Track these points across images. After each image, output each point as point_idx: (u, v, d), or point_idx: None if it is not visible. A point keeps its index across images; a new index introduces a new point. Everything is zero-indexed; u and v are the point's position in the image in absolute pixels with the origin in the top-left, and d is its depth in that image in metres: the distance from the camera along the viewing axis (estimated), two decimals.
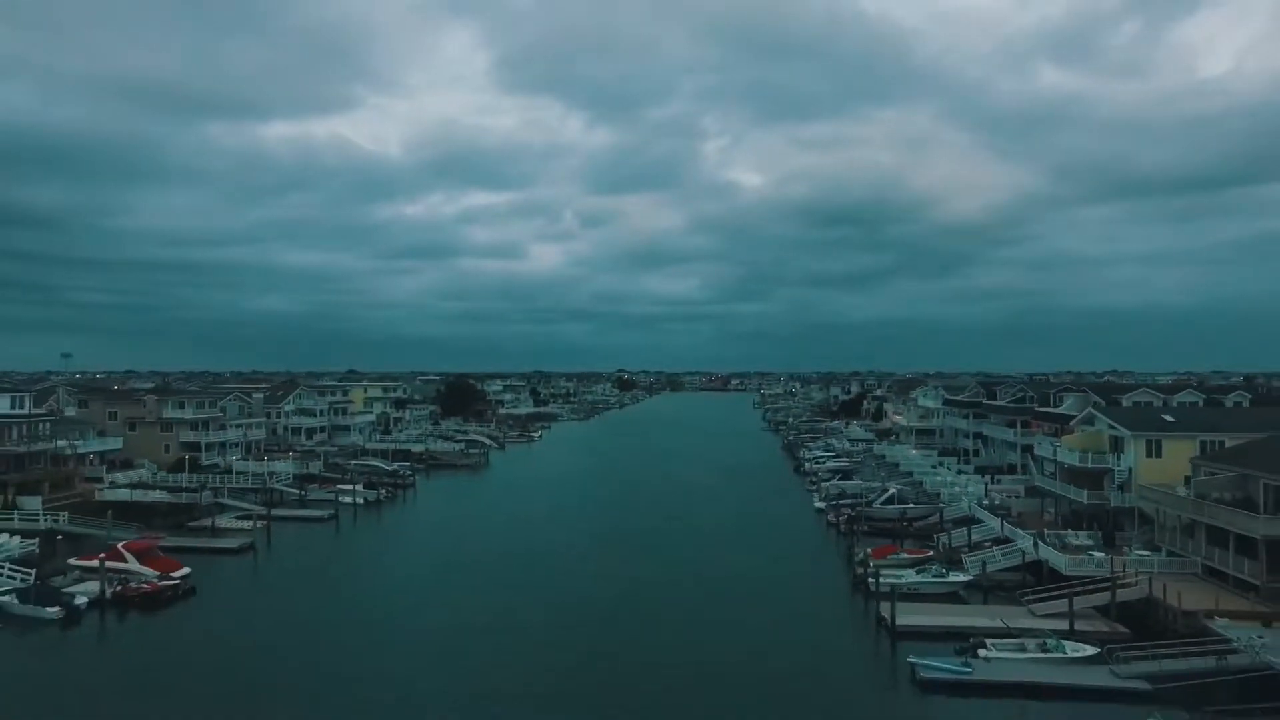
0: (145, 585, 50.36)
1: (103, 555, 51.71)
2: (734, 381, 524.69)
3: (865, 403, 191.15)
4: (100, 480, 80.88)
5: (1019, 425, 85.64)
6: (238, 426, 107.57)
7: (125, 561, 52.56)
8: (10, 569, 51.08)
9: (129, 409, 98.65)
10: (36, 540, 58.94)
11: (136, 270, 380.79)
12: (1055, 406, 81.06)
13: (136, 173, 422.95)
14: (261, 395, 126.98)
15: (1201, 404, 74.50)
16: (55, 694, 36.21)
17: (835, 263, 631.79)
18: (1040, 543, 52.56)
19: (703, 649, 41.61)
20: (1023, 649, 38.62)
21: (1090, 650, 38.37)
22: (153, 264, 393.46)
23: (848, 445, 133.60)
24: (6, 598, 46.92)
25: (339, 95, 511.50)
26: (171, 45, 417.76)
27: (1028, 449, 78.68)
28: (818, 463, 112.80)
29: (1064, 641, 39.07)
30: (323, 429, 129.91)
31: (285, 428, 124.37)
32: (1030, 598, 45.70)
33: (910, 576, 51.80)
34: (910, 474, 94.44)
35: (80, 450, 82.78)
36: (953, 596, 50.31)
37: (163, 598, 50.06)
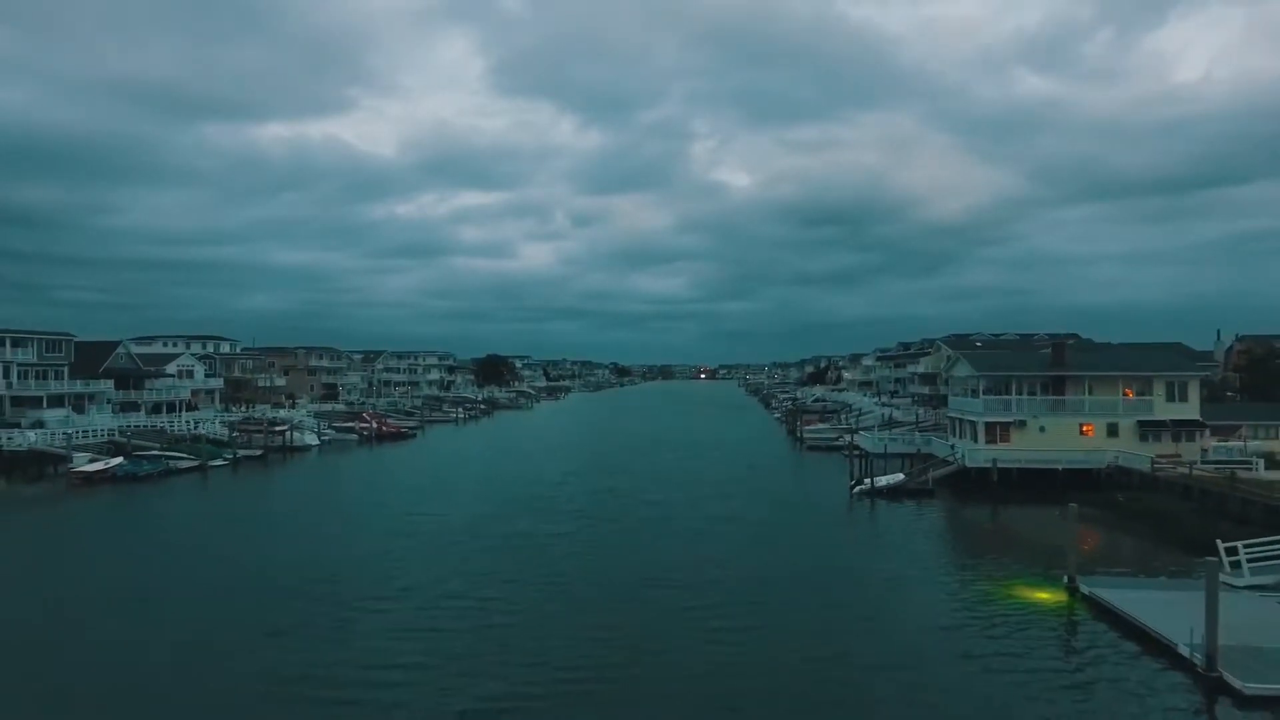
0: (393, 430, 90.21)
1: (363, 417, 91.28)
2: (722, 372, 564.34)
3: (829, 373, 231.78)
4: (282, 402, 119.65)
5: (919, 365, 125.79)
6: (354, 374, 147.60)
7: (373, 422, 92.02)
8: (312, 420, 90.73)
9: (283, 359, 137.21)
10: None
11: (129, 269, 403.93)
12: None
13: (131, 173, 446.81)
14: (359, 356, 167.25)
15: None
16: (362, 471, 75.60)
17: (821, 262, 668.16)
18: (893, 411, 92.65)
19: (717, 448, 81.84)
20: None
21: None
22: (146, 263, 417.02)
23: (809, 396, 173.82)
24: (330, 431, 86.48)
25: (336, 98, 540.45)
26: (171, 48, 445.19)
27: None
28: (781, 403, 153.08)
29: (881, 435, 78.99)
30: (403, 383, 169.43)
31: (378, 380, 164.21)
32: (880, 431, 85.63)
33: (821, 428, 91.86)
34: (844, 402, 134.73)
35: (271, 384, 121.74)
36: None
37: (401, 436, 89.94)
